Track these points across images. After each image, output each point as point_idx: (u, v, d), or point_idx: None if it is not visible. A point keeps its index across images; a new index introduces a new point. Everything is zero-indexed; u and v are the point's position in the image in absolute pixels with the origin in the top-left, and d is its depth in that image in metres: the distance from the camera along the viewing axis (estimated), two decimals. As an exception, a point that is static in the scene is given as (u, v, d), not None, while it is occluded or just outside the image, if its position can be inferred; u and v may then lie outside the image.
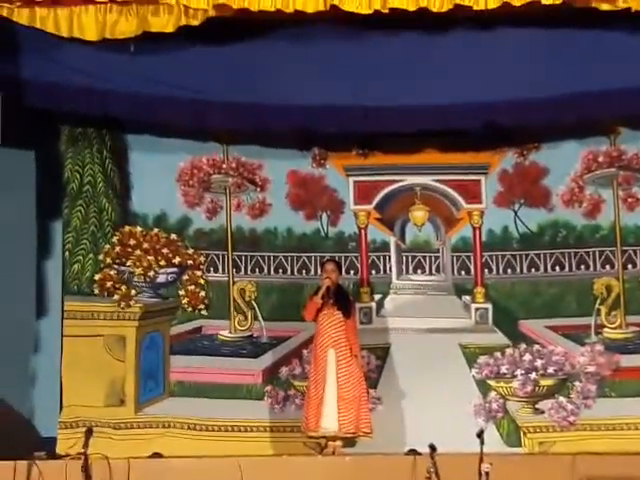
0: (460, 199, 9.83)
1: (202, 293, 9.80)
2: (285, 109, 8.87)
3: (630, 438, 9.04)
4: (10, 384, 9.12)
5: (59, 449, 9.04)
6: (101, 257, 9.71)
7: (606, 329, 9.49)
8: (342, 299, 8.91)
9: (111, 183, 9.77)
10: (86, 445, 7.40)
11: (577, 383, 9.38)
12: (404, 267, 9.87)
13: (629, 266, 9.52)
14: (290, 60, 8.80)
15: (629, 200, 9.59)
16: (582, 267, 9.59)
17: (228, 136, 9.76)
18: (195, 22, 8.25)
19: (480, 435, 7.40)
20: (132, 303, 9.66)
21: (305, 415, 8.78)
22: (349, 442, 8.87)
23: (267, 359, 9.74)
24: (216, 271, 9.86)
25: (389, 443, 8.89)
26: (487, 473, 7.09)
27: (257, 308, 9.81)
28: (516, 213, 9.71)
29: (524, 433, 9.32)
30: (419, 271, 9.86)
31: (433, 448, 7.39)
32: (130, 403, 9.54)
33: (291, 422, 9.35)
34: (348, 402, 8.66)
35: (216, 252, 9.87)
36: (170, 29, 8.29)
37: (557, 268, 9.62)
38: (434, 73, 8.62)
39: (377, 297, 9.83)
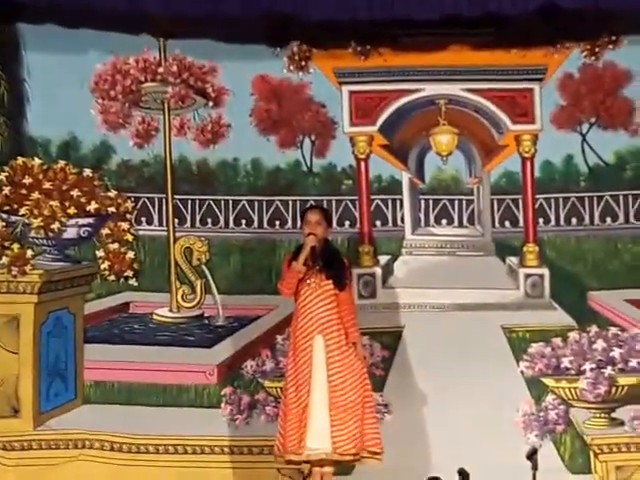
0: (504, 117, 9.86)
1: (130, 254, 9.74)
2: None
3: None
4: None
5: None
6: (-18, 203, 9.22)
7: None
8: (332, 263, 8.51)
9: (-4, 95, 9.55)
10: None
11: (670, 382, 8.85)
12: (422, 216, 9.95)
13: None
14: None
15: None
16: (679, 215, 9.36)
17: (167, 26, 9.68)
18: None
19: (532, 456, 7.92)
20: (28, 269, 9.43)
21: (281, 430, 8.45)
22: (344, 468, 8.67)
23: (225, 349, 9.74)
24: (150, 222, 9.98)
25: (401, 468, 8.75)
26: (541, 510, 6.87)
27: (210, 276, 9.81)
28: (584, 137, 9.77)
29: (595, 454, 9.13)
30: (444, 222, 9.96)
31: (464, 475, 7.79)
32: (27, 413, 9.46)
33: (259, 440, 9.14)
34: (345, 410, 8.37)
35: (150, 195, 9.95)
36: None
37: (644, 217, 9.45)
38: None
39: (383, 259, 9.85)
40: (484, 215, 9.86)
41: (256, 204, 9.89)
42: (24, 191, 9.54)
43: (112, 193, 9.68)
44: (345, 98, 9.82)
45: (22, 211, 9.49)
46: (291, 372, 8.51)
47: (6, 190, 9.56)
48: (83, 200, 9.57)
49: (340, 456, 8.35)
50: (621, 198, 9.71)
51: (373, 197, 9.82)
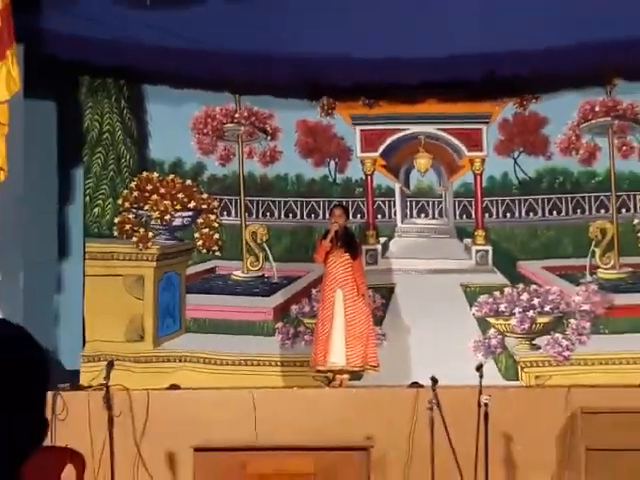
0: (462, 147, 9.78)
1: (216, 235, 9.77)
2: (294, 60, 8.92)
3: (621, 372, 9.08)
4: (36, 322, 8.65)
5: (82, 381, 9.06)
6: (120, 201, 9.69)
7: (600, 270, 9.50)
8: (349, 242, 8.91)
9: (129, 131, 9.73)
10: (107, 377, 7.39)
11: (572, 320, 9.37)
12: (408, 211, 9.85)
13: (623, 210, 9.52)
14: (300, 13, 8.88)
15: (623, 148, 9.54)
16: (578, 211, 9.59)
17: (241, 87, 9.72)
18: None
19: (479, 369, 7.42)
20: (150, 245, 9.64)
21: (314, 350, 8.80)
22: (356, 375, 8.89)
23: (278, 298, 9.73)
24: (229, 215, 9.85)
25: (393, 376, 8.91)
26: (486, 404, 7.12)
27: (268, 250, 9.79)
28: (515, 160, 9.68)
29: (521, 367, 9.33)
30: (422, 215, 9.85)
31: (435, 381, 7.39)
32: (149, 338, 9.54)
33: (300, 357, 9.37)
34: (356, 338, 8.67)
35: (229, 197, 9.84)
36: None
37: (554, 212, 9.62)
38: (435, 25, 8.65)
39: (382, 240, 9.82)
40: (449, 211, 9.76)
41: (299, 203, 9.78)
42: (147, 194, 9.68)
43: (204, 195, 9.74)
44: (357, 134, 9.79)
45: (146, 207, 9.67)
46: (321, 313, 8.87)
47: (135, 193, 9.69)
48: (185, 200, 9.71)
49: (351, 367, 8.72)
50: (539, 200, 9.60)
51: (376, 199, 9.78)
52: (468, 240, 9.76)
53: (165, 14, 8.77)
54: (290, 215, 9.84)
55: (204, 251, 9.79)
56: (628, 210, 9.53)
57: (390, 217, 9.83)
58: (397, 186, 9.87)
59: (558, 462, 7.85)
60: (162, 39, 8.82)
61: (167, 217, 9.71)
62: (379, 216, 9.83)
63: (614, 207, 9.51)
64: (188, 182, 9.79)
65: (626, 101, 9.52)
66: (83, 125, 9.73)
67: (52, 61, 8.98)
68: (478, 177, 9.76)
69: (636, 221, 9.51)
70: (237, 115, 9.86)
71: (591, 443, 7.57)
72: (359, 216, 9.78)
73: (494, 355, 9.41)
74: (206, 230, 9.78)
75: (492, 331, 9.47)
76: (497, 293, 9.53)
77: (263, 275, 9.82)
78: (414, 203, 9.86)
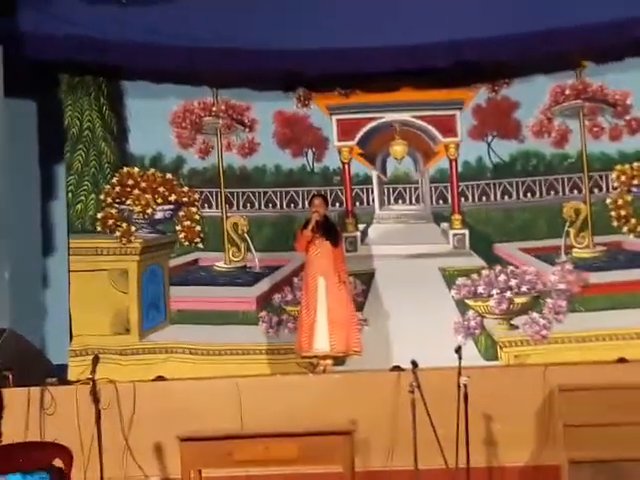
0: (437, 133, 9.77)
1: (197, 228, 9.78)
2: (270, 53, 8.91)
3: (597, 349, 9.12)
4: (22, 317, 9.13)
5: (70, 375, 9.08)
6: (102, 197, 9.69)
7: (575, 249, 9.53)
8: (330, 230, 8.93)
9: (109, 128, 9.73)
10: (93, 371, 7.38)
11: (549, 300, 9.41)
12: (386, 198, 9.84)
13: (595, 190, 9.54)
14: (273, 6, 8.92)
15: (594, 129, 9.56)
16: (552, 193, 9.60)
17: (218, 80, 9.71)
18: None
19: (458, 351, 7.44)
20: (132, 239, 9.67)
21: (298, 337, 8.84)
22: (339, 361, 8.94)
23: (261, 287, 9.75)
24: (210, 207, 9.83)
25: (375, 361, 8.91)
26: (465, 385, 7.17)
27: (250, 240, 9.78)
28: (489, 145, 9.69)
29: (500, 347, 9.38)
30: (400, 201, 9.83)
31: (415, 364, 7.38)
32: (135, 331, 9.56)
33: (284, 345, 9.41)
34: (338, 324, 8.71)
35: (209, 189, 9.83)
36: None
37: (529, 194, 9.63)
38: (406, 13, 8.71)
39: (361, 227, 9.82)
40: (425, 196, 9.75)
41: (278, 194, 9.77)
42: (128, 189, 9.68)
43: (185, 189, 9.73)
44: (334, 124, 9.77)
45: (128, 202, 9.67)
46: (304, 300, 8.88)
47: (117, 189, 9.68)
48: (166, 194, 9.70)
49: (335, 353, 8.76)
50: (514, 183, 9.60)
51: (354, 187, 9.78)
52: (445, 224, 9.77)
53: (141, 10, 8.82)
54: (270, 205, 9.83)
55: (186, 243, 9.80)
56: (600, 190, 9.55)
57: (368, 204, 9.84)
58: (374, 173, 9.87)
59: (537, 439, 7.89)
60: (139, 35, 8.88)
61: (149, 211, 9.71)
62: (357, 204, 9.82)
63: (587, 187, 9.52)
64: (168, 176, 9.78)
65: (595, 83, 9.54)
66: (64, 122, 9.72)
67: (31, 60, 9.00)
68: (453, 162, 9.75)
69: (608, 200, 9.53)
70: (215, 108, 9.83)
71: (569, 420, 7.60)
72: (338, 204, 9.80)
73: (474, 336, 9.44)
74: (188, 223, 9.78)
75: (471, 313, 9.51)
76: (475, 275, 9.56)
77: (245, 265, 9.81)
78: (391, 190, 9.85)
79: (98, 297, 9.47)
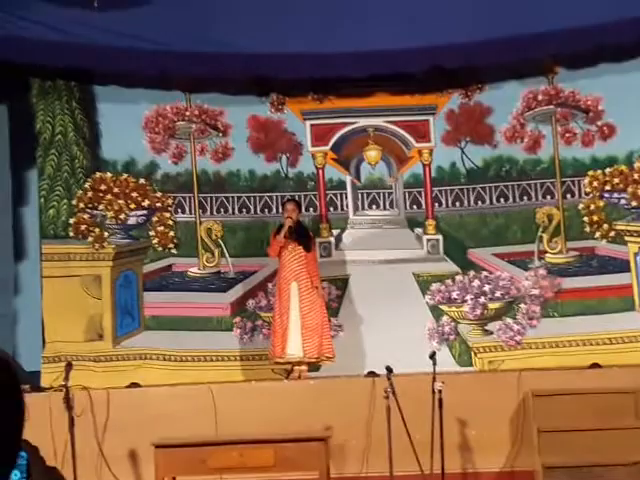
0: (410, 139, 9.78)
1: (171, 233, 9.76)
2: (243, 57, 8.87)
3: (571, 354, 9.16)
4: None
5: (43, 382, 9.04)
6: (74, 202, 9.63)
7: (548, 254, 9.55)
8: (303, 235, 8.94)
9: (81, 132, 9.68)
10: (66, 378, 7.37)
11: (522, 305, 9.43)
12: (360, 203, 9.86)
13: (568, 196, 9.58)
14: (246, 11, 8.84)
15: (567, 135, 9.60)
16: (525, 198, 9.61)
17: (191, 85, 9.68)
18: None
19: (432, 356, 7.47)
20: (105, 244, 9.63)
21: (272, 343, 8.87)
22: (313, 367, 8.96)
23: (235, 293, 9.73)
24: (183, 212, 9.82)
25: (350, 366, 8.94)
26: (440, 391, 7.20)
27: (223, 246, 9.76)
28: (463, 150, 9.70)
29: (475, 353, 9.39)
30: (374, 207, 9.85)
31: (390, 370, 7.42)
32: (108, 337, 9.52)
33: (259, 350, 9.40)
34: (311, 330, 8.72)
35: (183, 194, 9.81)
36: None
37: (502, 200, 9.66)
38: (379, 19, 8.66)
39: (335, 232, 9.83)
40: (399, 202, 9.76)
41: (252, 199, 9.73)
42: (101, 194, 9.63)
43: (158, 194, 9.70)
44: (308, 129, 9.76)
45: (100, 207, 9.63)
46: (277, 306, 8.90)
47: (90, 194, 9.63)
48: (140, 199, 9.68)
49: (308, 359, 8.78)
50: (487, 189, 9.63)
51: (327, 192, 9.77)
52: (419, 230, 9.78)
53: (113, 15, 8.72)
54: (244, 210, 9.80)
55: (160, 249, 9.76)
56: (573, 195, 9.60)
57: (342, 209, 9.83)
58: (348, 179, 9.87)
59: (511, 444, 7.92)
60: (111, 39, 8.80)
61: (122, 216, 9.68)
62: (331, 209, 9.83)
63: (559, 193, 9.56)
64: (142, 181, 9.75)
65: (567, 89, 9.57)
66: (35, 127, 9.66)
67: (1, 64, 8.92)
68: (427, 168, 9.77)
69: (581, 206, 9.58)
70: (188, 113, 9.81)
71: (543, 425, 7.65)
72: (312, 209, 9.79)
73: (448, 342, 9.44)
74: (161, 228, 9.75)
75: (445, 318, 9.50)
76: (449, 281, 9.56)
77: (219, 271, 9.79)
78: (365, 195, 9.86)
79: (71, 303, 9.40)
